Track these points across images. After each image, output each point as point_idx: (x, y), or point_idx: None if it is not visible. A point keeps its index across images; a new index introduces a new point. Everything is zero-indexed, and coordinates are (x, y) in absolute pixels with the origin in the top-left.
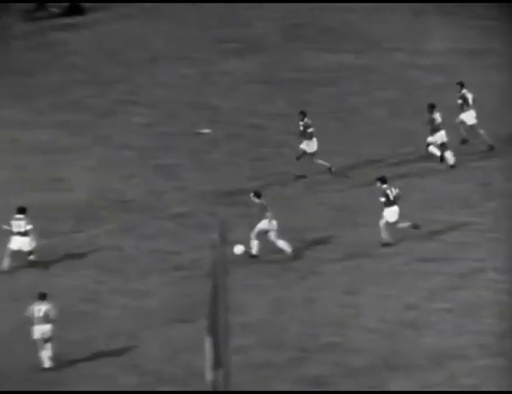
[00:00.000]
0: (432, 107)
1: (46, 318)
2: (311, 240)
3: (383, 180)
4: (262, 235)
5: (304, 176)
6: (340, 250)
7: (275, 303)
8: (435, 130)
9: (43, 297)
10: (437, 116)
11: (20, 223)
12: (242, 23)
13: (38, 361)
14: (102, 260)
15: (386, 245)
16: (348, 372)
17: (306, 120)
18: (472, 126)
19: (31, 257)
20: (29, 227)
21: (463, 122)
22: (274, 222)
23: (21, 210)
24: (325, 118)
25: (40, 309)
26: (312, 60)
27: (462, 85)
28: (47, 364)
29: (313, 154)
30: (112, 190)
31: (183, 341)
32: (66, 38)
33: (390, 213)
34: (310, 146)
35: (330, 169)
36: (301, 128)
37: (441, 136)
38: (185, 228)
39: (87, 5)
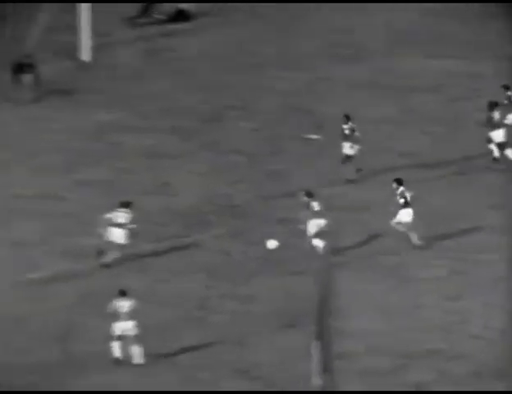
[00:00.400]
0: (492, 106)
1: (129, 315)
2: (415, 245)
3: (399, 182)
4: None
5: (352, 181)
6: (445, 256)
7: (380, 308)
8: (493, 127)
9: (124, 294)
10: (496, 115)
11: (120, 215)
12: (347, 29)
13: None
14: (211, 265)
15: (419, 246)
16: (452, 379)
17: (351, 123)
18: None
19: (105, 259)
20: (129, 224)
21: None
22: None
23: (125, 204)
24: (427, 124)
25: (123, 305)
26: (416, 65)
27: (507, 88)
28: (137, 359)
29: (352, 157)
30: (219, 195)
31: (291, 347)
32: (173, 44)
33: (405, 214)
34: (352, 149)
35: (358, 170)
36: (346, 131)
37: (498, 135)
38: (293, 233)
39: (193, 11)
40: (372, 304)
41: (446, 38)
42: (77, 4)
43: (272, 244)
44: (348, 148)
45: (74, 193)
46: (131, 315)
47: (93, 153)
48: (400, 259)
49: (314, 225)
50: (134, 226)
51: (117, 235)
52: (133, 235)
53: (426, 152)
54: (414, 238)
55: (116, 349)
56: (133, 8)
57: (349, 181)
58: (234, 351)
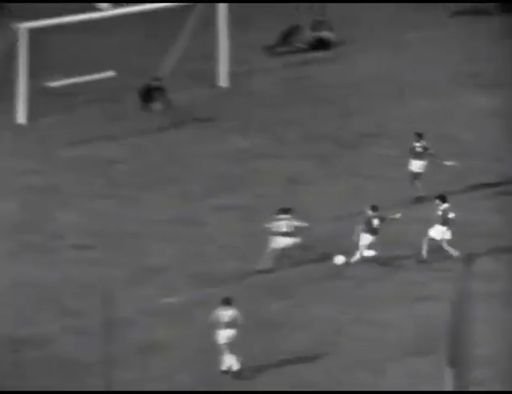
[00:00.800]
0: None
1: (232, 324)
2: None
3: (443, 199)
4: None
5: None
6: None
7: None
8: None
9: (228, 302)
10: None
11: (280, 224)
12: (484, 58)
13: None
14: (348, 291)
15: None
16: None
17: (423, 142)
18: None
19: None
20: (290, 229)
21: None
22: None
23: (284, 211)
24: None
25: (226, 314)
26: None
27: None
28: (235, 367)
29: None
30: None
31: (424, 373)
32: (313, 72)
33: (438, 232)
34: (418, 166)
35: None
36: (419, 149)
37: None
38: (430, 258)
39: (333, 39)
40: (506, 331)
41: None
42: (216, 32)
43: (339, 259)
44: (416, 167)
45: (213, 218)
46: (232, 324)
47: (233, 178)
48: None
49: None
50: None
51: (283, 242)
52: (277, 258)
53: None
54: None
55: (226, 361)
56: (273, 37)
57: (418, 200)
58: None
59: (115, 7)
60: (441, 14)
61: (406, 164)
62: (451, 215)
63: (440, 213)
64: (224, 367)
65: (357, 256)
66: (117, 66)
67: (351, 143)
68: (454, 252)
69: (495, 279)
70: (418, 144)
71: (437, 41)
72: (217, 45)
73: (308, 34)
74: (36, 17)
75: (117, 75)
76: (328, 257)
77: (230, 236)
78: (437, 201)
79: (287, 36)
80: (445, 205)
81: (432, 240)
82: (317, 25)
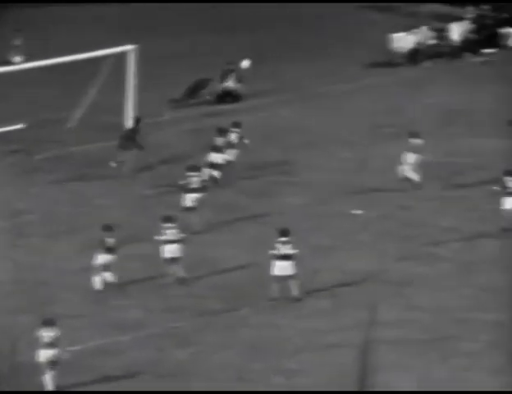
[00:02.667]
0: None
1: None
2: (456, 319)
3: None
4: None
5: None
6: (486, 330)
7: (420, 383)
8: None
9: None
10: None
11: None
12: (396, 108)
13: None
14: (255, 338)
15: None
16: None
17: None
18: None
19: None
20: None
21: None
22: None
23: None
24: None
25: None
26: (467, 146)
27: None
28: None
29: None
30: (266, 268)
31: None
32: (219, 123)
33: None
34: None
35: None
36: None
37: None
38: (339, 307)
39: (241, 91)
40: (413, 378)
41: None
42: (126, 84)
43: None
44: None
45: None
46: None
47: (139, 227)
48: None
49: None
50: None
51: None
52: (176, 308)
53: None
54: None
55: None
56: (181, 90)
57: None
58: None
59: (27, 61)
60: (355, 66)
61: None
62: None
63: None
64: None
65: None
66: (28, 119)
67: (261, 192)
68: None
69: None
70: None
71: (351, 93)
72: (126, 98)
73: (218, 87)
74: None
75: (27, 128)
76: (236, 308)
77: None
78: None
79: (195, 88)
80: None
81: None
82: (225, 77)
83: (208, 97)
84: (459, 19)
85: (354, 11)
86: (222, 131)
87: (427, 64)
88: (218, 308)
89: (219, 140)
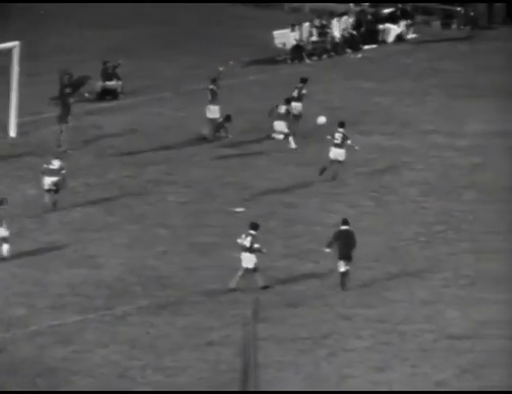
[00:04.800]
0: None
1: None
2: (341, 315)
3: None
4: None
5: None
6: (370, 327)
7: (307, 380)
8: None
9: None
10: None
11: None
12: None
13: None
14: (135, 336)
15: None
16: None
17: None
18: None
19: None
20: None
21: None
22: None
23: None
24: (359, 197)
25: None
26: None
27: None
28: None
29: None
30: (146, 267)
31: None
32: (97, 121)
33: None
34: None
35: None
36: None
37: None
38: (219, 304)
39: (119, 90)
40: (299, 376)
41: (376, 114)
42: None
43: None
44: None
45: None
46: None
47: None
48: (329, 329)
49: None
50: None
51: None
52: (60, 306)
53: None
54: None
55: None
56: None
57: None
58: None
59: None
60: (236, 63)
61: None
62: None
63: None
64: None
65: None
66: None
67: (141, 190)
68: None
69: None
70: None
71: (232, 90)
72: (11, 95)
73: (97, 84)
74: None
75: None
76: (114, 306)
77: None
78: None
79: (75, 86)
80: None
81: None
82: (105, 75)
83: (86, 95)
84: (340, 15)
85: (236, 8)
86: None
87: (310, 61)
88: (98, 306)
89: None
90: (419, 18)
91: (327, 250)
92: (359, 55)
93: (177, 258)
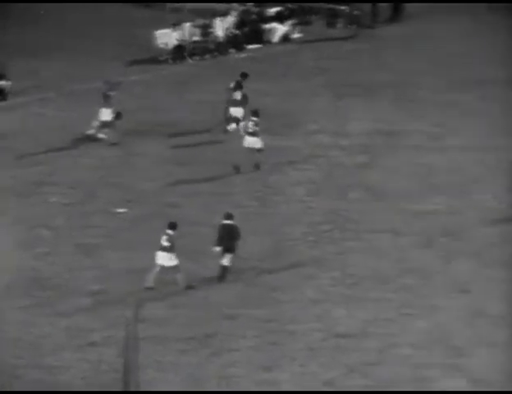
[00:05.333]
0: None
1: None
2: (225, 315)
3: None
4: None
5: None
6: (257, 327)
7: (188, 380)
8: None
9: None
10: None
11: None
12: (160, 106)
13: None
14: (17, 336)
15: None
16: None
17: None
18: None
19: None
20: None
21: None
22: None
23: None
24: (244, 197)
25: None
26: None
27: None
28: None
29: None
30: (26, 268)
31: None
32: None
33: None
34: None
35: None
36: None
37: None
38: (102, 305)
39: (8, 90)
40: (181, 376)
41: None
42: None
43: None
44: None
45: None
46: None
47: None
48: (213, 329)
49: None
50: None
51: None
52: None
53: None
54: None
55: None
56: None
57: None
58: None
59: None
60: (119, 64)
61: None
62: None
63: None
64: None
65: None
66: None
67: (23, 192)
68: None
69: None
70: None
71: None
72: None
73: None
74: None
75: None
76: None
77: None
78: None
79: None
80: None
81: None
82: None
83: None
84: (223, 15)
85: (117, 8)
86: None
87: (192, 61)
88: None
89: None
90: (305, 18)
91: (217, 249)
92: (244, 55)
93: (60, 258)
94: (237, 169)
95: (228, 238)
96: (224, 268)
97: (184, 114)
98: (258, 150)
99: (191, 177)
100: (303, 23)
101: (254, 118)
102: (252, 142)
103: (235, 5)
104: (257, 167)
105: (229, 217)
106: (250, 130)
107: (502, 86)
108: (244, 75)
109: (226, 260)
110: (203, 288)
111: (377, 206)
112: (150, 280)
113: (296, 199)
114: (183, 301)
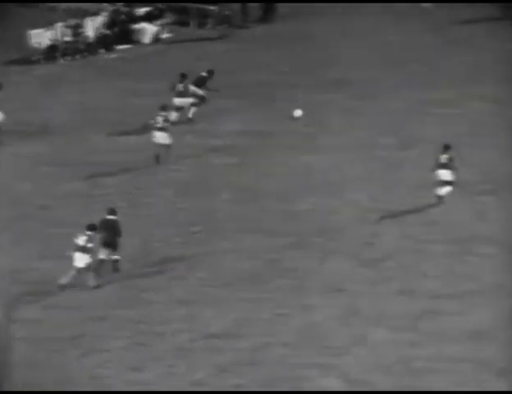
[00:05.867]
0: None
1: None
2: (97, 316)
3: None
4: None
5: None
6: (127, 328)
7: (60, 380)
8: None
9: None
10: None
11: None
12: (33, 106)
13: None
14: None
15: None
16: None
17: None
18: None
19: None
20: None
21: None
22: None
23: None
24: (114, 199)
25: None
26: (98, 143)
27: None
28: None
29: None
30: None
31: None
32: None
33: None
34: None
35: None
36: None
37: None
38: None
39: None
40: (50, 377)
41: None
42: None
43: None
44: None
45: None
46: None
47: None
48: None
49: None
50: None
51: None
52: None
53: None
54: None
55: None
56: None
57: None
58: None
59: None
60: None
61: None
62: None
63: None
64: None
65: None
66: None
67: None
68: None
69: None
70: None
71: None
72: None
73: None
74: None
75: None
76: None
77: None
78: None
79: None
80: None
81: None
82: None
83: None
84: (94, 14)
85: None
86: None
87: (64, 61)
88: None
89: None
90: (175, 17)
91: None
92: (114, 55)
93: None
94: (157, 159)
95: (108, 234)
96: (101, 262)
97: (57, 114)
98: (165, 146)
99: (64, 178)
100: (178, 23)
101: (163, 113)
102: (159, 137)
103: (106, 5)
104: (157, 161)
105: (112, 212)
106: (159, 125)
107: (374, 85)
108: (211, 72)
109: (104, 254)
110: (76, 290)
111: (250, 207)
112: (65, 278)
113: (166, 200)
114: (56, 302)
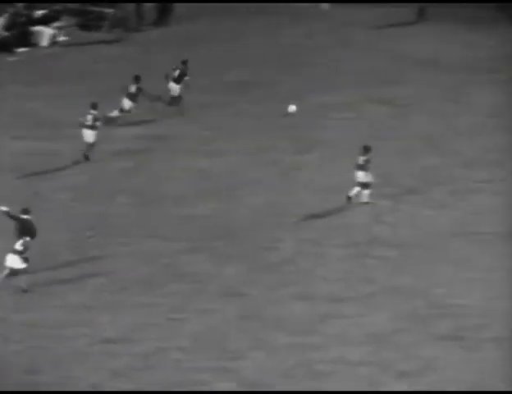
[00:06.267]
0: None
1: None
2: None
3: None
4: None
5: None
6: (22, 331)
7: None
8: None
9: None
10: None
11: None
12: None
13: None
14: None
15: None
16: None
17: None
18: None
19: None
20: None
21: None
22: None
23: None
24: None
25: None
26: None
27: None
28: None
29: None
30: None
31: None
32: None
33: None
34: None
35: None
36: None
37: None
38: None
39: None
40: None
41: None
42: None
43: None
44: None
45: None
46: None
47: None
48: None
49: None
50: None
51: None
52: None
53: None
54: None
55: None
56: None
57: None
58: None
59: None
60: None
61: None
62: None
63: None
64: None
65: None
66: None
67: None
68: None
69: None
70: None
71: None
72: None
73: None
74: None
75: None
76: None
77: None
78: None
79: None
80: None
81: None
82: None
83: None
84: None
85: None
86: None
87: None
88: None
89: None
90: (71, 20)
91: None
92: (14, 58)
93: None
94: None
95: (21, 233)
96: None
97: None
98: (90, 144)
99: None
100: (69, 26)
101: (93, 111)
102: (86, 135)
103: (5, 6)
104: (86, 158)
105: (25, 211)
106: (87, 123)
107: (272, 88)
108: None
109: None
110: None
111: (145, 211)
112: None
113: (62, 205)
114: None
